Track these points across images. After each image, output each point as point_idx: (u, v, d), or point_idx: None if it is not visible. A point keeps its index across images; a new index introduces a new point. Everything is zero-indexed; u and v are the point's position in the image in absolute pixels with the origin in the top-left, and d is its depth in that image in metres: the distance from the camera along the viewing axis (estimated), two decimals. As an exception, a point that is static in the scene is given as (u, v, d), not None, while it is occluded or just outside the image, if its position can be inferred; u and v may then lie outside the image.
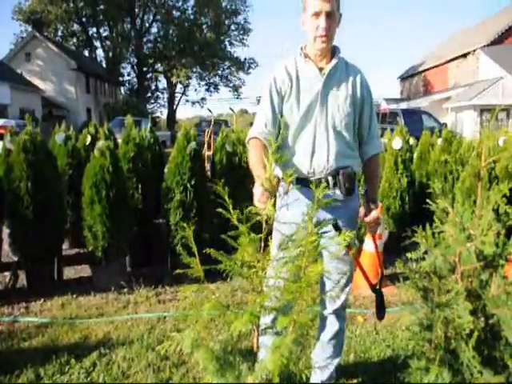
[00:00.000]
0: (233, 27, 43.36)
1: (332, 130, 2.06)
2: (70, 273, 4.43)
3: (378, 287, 2.33)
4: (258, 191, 1.71)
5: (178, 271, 1.46)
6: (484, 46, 27.94)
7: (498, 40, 28.20)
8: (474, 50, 28.76)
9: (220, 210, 1.37)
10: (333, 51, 2.11)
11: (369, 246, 3.95)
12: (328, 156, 2.05)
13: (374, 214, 2.14)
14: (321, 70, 2.07)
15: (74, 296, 3.79)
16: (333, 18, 1.99)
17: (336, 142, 2.07)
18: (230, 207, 1.36)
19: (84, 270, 4.40)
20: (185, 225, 1.63)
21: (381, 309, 2.32)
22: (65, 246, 4.69)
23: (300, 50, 2.13)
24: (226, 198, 1.38)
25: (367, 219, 2.16)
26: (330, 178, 2.07)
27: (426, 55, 39.10)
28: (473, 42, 29.98)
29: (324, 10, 1.95)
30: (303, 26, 2.07)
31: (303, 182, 2.04)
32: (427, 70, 35.71)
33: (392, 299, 3.82)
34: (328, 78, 2.06)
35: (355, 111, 2.12)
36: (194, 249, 1.38)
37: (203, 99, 45.92)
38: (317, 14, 1.97)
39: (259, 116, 2.13)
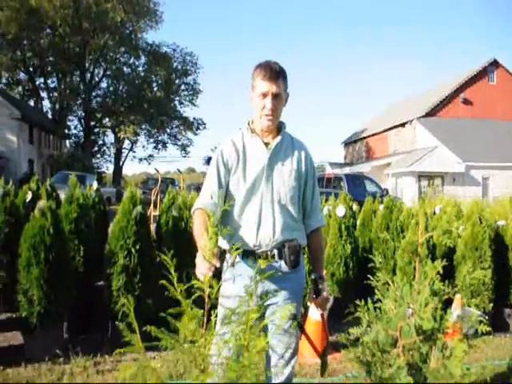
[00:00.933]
0: (183, 87, 43.86)
1: (277, 204, 2.11)
2: (-2, 340, 4.10)
3: (324, 354, 2.33)
4: (199, 261, 1.71)
5: (118, 350, 1.40)
6: (419, 117, 30.04)
7: (432, 112, 30.45)
8: (411, 121, 30.81)
9: (164, 282, 1.35)
10: (279, 127, 2.20)
11: (314, 313, 3.95)
12: (274, 229, 2.09)
13: (324, 295, 2.16)
14: (267, 144, 2.15)
15: (2, 367, 3.48)
16: (279, 98, 2.10)
17: (281, 215, 2.11)
18: (175, 280, 1.34)
19: (15, 338, 4.08)
20: (124, 301, 1.58)
21: (323, 369, 2.32)
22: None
23: (247, 124, 2.21)
24: (172, 270, 1.36)
25: (318, 300, 2.17)
26: (275, 251, 2.09)
27: (368, 122, 41.37)
28: (410, 112, 32.19)
29: (271, 92, 2.06)
30: (251, 102, 2.16)
31: (249, 255, 2.06)
32: (369, 136, 37.68)
33: (337, 367, 3.77)
34: (273, 152, 2.14)
35: (300, 185, 2.19)
36: (135, 325, 1.34)
37: (151, 156, 45.46)
38: (264, 95, 2.07)
39: (205, 188, 2.17)
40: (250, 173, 2.12)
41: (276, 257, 2.09)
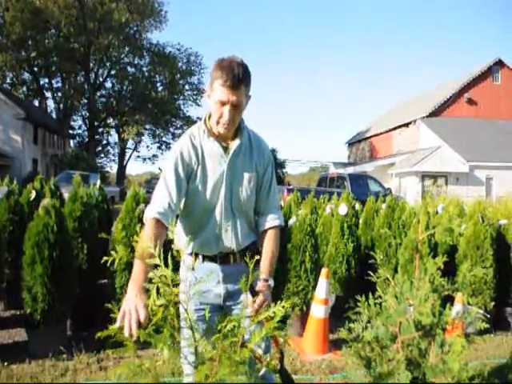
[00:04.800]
0: (187, 87, 43.88)
1: (238, 212, 2.05)
2: (2, 337, 4.13)
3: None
4: (133, 295, 1.57)
5: (117, 351, 1.40)
6: (423, 117, 29.99)
7: (436, 112, 30.40)
8: (415, 121, 30.77)
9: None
10: (237, 126, 2.03)
11: (317, 311, 3.97)
12: (235, 240, 2.05)
13: (260, 297, 1.88)
14: (225, 148, 2.02)
15: (6, 364, 3.51)
16: (238, 107, 1.92)
17: (242, 223, 2.07)
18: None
19: (19, 334, 4.13)
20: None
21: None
22: (-1, 307, 4.43)
23: (204, 123, 2.03)
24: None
25: (255, 306, 1.84)
26: (237, 254, 2.06)
27: (372, 122, 41.34)
28: (414, 112, 32.15)
29: (230, 101, 1.87)
30: (208, 99, 1.97)
31: (210, 259, 2.03)
32: (373, 136, 37.63)
33: (338, 364, 3.82)
34: (233, 156, 2.02)
35: (257, 188, 2.11)
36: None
37: (154, 156, 45.73)
38: (223, 103, 1.88)
39: (162, 192, 1.93)
40: (209, 180, 2.00)
41: (238, 258, 2.04)
